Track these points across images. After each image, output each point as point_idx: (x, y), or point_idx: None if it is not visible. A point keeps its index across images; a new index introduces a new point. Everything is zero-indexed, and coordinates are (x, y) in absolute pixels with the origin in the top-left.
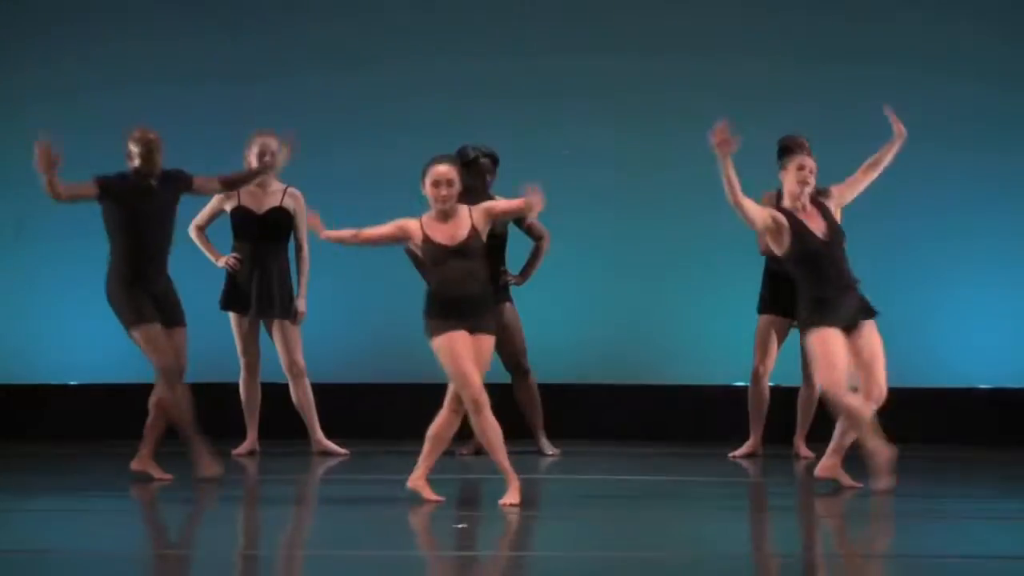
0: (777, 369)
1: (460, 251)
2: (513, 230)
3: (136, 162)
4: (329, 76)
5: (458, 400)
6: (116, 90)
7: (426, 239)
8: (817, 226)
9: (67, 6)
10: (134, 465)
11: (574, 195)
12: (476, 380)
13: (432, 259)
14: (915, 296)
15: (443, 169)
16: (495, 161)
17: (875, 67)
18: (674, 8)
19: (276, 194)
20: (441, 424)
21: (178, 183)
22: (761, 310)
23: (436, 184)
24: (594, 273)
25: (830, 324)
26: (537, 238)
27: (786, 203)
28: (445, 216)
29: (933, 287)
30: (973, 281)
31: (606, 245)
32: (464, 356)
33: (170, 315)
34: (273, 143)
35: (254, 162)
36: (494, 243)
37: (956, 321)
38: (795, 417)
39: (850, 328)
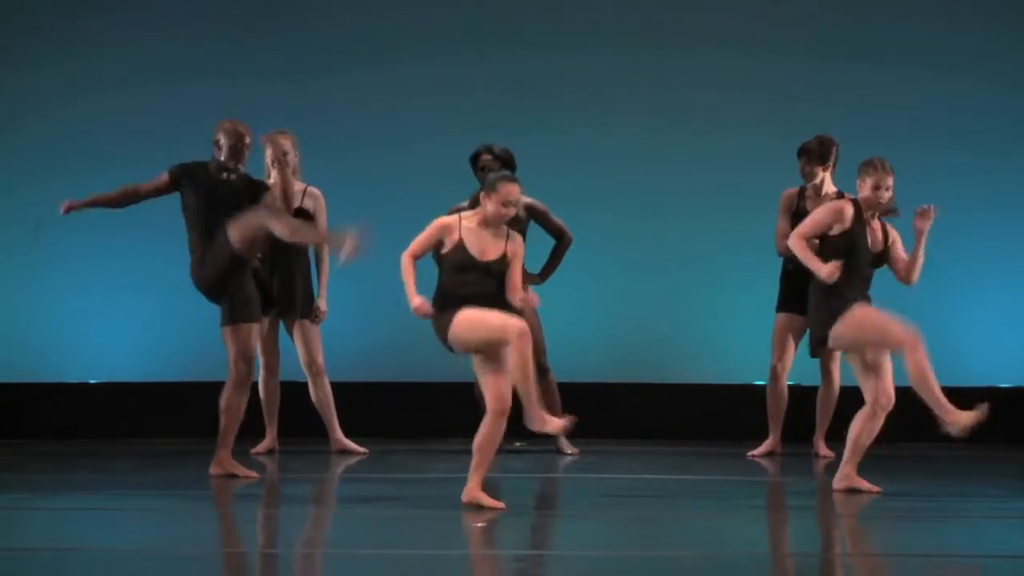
0: (797, 368)
1: (487, 268)
2: (533, 228)
3: (223, 154)
4: (342, 75)
5: (498, 401)
6: (132, 89)
7: (460, 244)
8: (873, 239)
9: (83, 5)
10: (212, 470)
11: (592, 195)
12: (512, 321)
13: (456, 265)
14: (936, 295)
15: (516, 191)
16: (500, 160)
17: (876, 67)
18: (692, 7)
19: (296, 195)
20: (486, 433)
21: (257, 189)
22: (779, 308)
23: (507, 204)
24: (613, 272)
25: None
26: (558, 237)
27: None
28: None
29: (953, 286)
30: (994, 280)
31: (625, 244)
32: (486, 314)
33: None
34: (287, 143)
35: (269, 163)
36: None
37: (977, 320)
38: (814, 416)
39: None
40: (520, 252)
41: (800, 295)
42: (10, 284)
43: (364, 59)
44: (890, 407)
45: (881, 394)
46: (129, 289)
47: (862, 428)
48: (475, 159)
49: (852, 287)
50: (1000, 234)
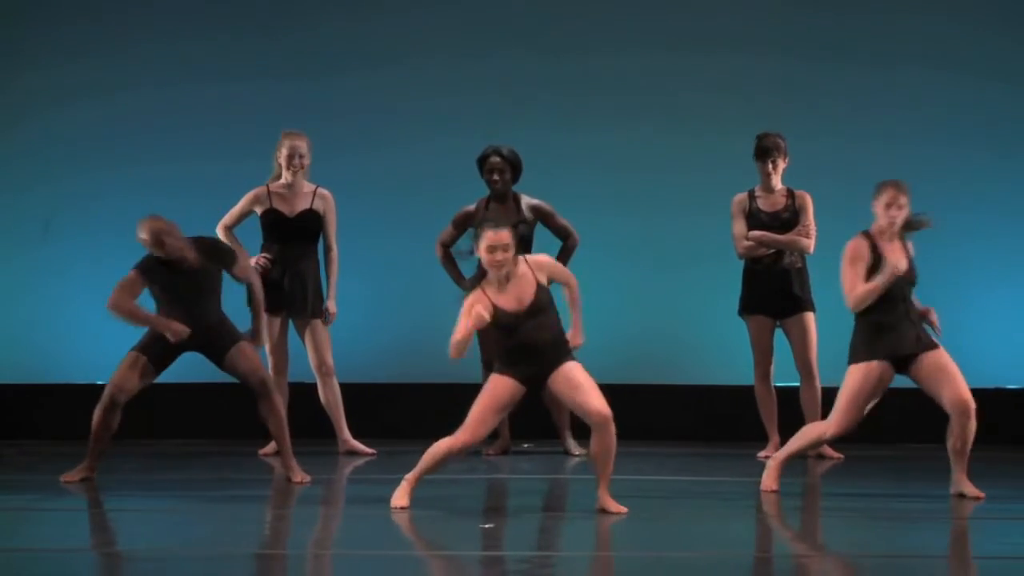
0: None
1: (531, 312)
2: (540, 229)
3: (154, 252)
4: (345, 76)
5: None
6: (137, 89)
7: (495, 308)
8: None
9: (92, 4)
10: (296, 477)
11: (598, 195)
12: (476, 429)
13: (505, 325)
14: (942, 295)
15: (497, 235)
16: (508, 162)
17: (877, 67)
18: (694, 8)
19: (306, 196)
20: (596, 443)
21: (221, 259)
22: (746, 311)
23: (491, 250)
24: (621, 274)
25: (880, 358)
26: (564, 238)
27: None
28: (506, 279)
29: (959, 287)
30: (1001, 281)
31: (632, 245)
32: (485, 402)
33: (219, 349)
34: (303, 145)
35: (284, 164)
36: (520, 244)
37: (984, 321)
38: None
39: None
40: (546, 267)
41: (763, 296)
42: (18, 284)
43: (367, 60)
44: (970, 409)
45: (953, 403)
46: None
47: (953, 436)
48: (483, 161)
49: (891, 313)
50: (1007, 234)
